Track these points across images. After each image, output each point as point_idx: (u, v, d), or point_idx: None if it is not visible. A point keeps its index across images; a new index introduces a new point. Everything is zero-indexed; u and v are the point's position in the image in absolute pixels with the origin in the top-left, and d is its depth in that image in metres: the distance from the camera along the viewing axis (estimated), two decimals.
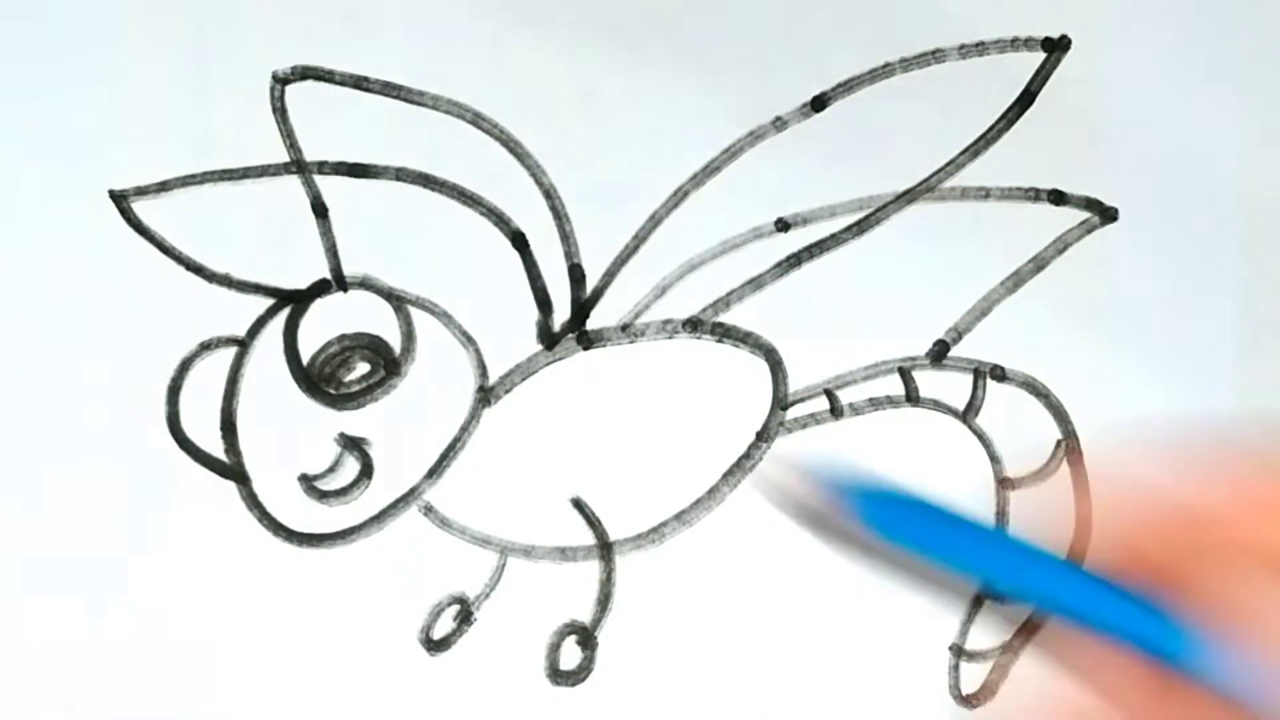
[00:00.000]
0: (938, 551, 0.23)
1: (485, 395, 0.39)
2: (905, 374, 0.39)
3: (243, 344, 0.39)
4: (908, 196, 0.40)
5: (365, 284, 0.39)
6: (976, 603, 0.29)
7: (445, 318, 0.39)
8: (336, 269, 0.39)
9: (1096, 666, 0.23)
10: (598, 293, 0.39)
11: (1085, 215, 0.40)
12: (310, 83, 0.40)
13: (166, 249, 0.39)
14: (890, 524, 0.24)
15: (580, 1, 0.40)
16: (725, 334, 0.39)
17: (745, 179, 0.40)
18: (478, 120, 0.40)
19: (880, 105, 0.40)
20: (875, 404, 0.39)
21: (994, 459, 0.38)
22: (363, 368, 0.39)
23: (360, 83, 0.40)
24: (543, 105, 0.39)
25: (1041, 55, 0.40)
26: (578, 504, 0.38)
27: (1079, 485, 0.38)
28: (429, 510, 0.38)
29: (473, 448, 0.38)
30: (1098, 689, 0.23)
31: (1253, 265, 0.40)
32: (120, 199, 0.39)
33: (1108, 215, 0.40)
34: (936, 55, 0.40)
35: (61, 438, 0.38)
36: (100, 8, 0.40)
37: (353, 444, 0.38)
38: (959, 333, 0.39)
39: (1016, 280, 0.39)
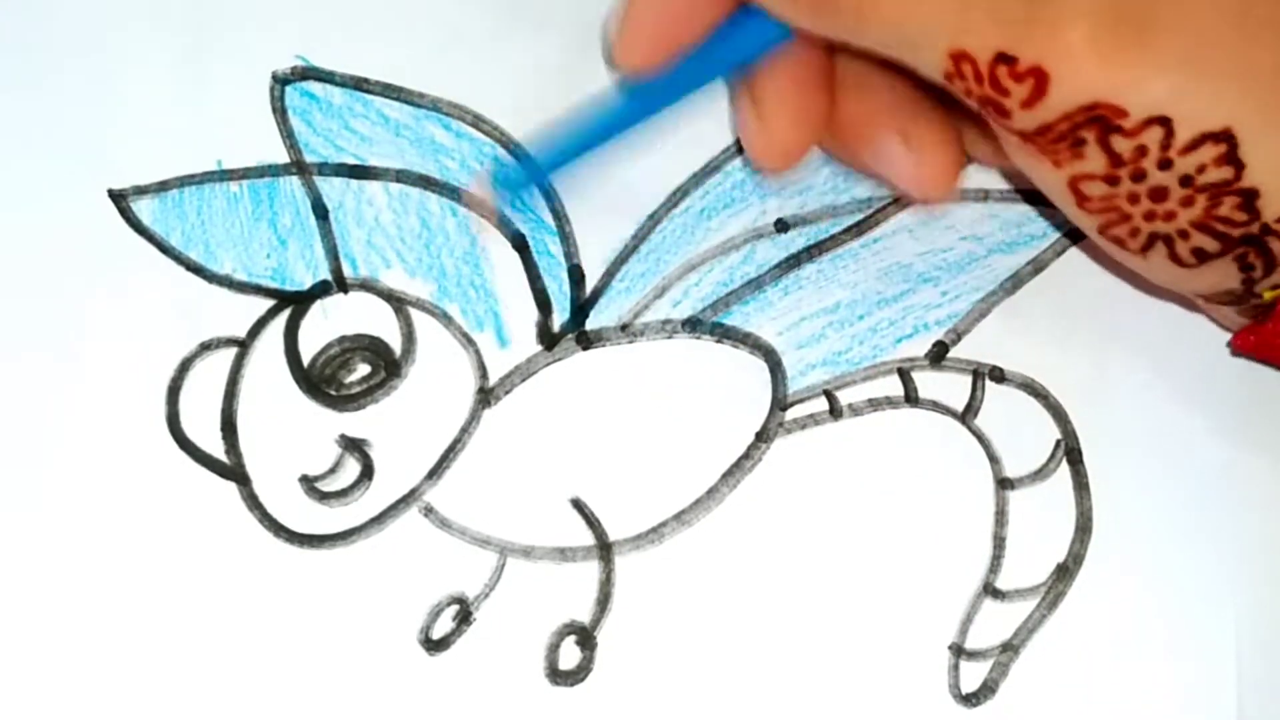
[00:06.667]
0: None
1: (485, 396, 0.39)
2: (904, 375, 0.39)
3: (243, 344, 0.39)
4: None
5: (365, 285, 0.39)
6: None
7: (445, 319, 0.39)
8: (336, 270, 0.39)
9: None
10: (597, 293, 0.39)
11: None
12: (310, 83, 0.40)
13: (166, 249, 0.39)
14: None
15: (580, 1, 0.40)
16: (725, 334, 0.39)
17: (745, 179, 0.40)
18: (478, 120, 0.40)
19: None
20: (875, 404, 0.39)
21: (993, 459, 0.38)
22: (363, 369, 0.39)
23: (360, 83, 0.40)
24: (543, 105, 0.39)
25: None
26: (577, 504, 0.38)
27: (1079, 485, 0.38)
28: (429, 511, 0.38)
29: (473, 449, 0.38)
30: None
31: None
32: (120, 199, 0.39)
33: None
34: None
35: (61, 438, 0.38)
36: (100, 7, 0.40)
37: (353, 445, 0.38)
38: (958, 334, 0.39)
39: (1016, 281, 0.39)
